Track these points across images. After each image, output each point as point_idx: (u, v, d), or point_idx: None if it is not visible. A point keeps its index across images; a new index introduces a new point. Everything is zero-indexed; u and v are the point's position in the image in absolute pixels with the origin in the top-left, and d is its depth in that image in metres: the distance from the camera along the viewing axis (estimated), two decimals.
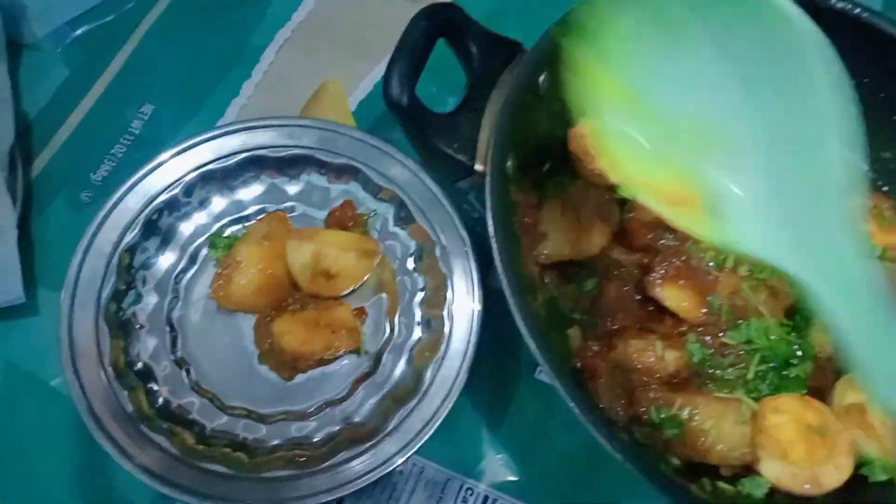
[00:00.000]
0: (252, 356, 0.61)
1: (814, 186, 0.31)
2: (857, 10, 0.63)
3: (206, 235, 0.63)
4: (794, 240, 0.30)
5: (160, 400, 0.58)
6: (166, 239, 0.62)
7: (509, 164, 0.57)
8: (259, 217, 0.64)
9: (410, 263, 0.64)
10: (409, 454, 0.55)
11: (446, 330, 0.59)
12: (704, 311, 0.59)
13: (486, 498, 0.61)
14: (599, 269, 0.63)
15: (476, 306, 0.59)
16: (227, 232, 0.64)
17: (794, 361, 0.59)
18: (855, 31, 0.64)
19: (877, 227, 0.65)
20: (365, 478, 0.54)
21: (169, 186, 0.61)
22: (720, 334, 0.60)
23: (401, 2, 0.71)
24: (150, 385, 0.58)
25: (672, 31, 0.37)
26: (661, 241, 0.61)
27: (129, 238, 0.59)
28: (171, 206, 0.62)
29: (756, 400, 0.57)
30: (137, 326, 0.60)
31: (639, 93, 0.38)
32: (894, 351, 0.26)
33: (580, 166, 0.64)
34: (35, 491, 0.60)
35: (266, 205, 0.65)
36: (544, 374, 0.64)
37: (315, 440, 0.58)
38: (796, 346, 0.60)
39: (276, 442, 0.58)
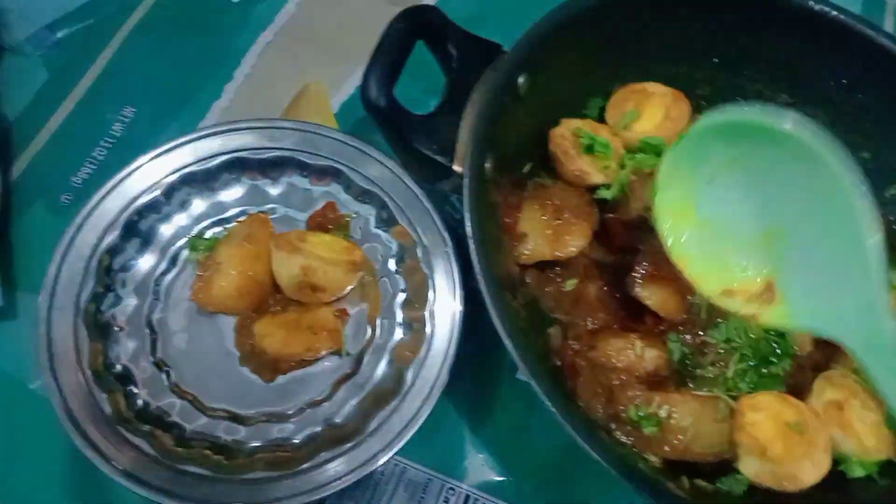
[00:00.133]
0: (233, 358, 0.60)
1: (852, 269, 0.38)
2: (834, 13, 0.64)
3: (187, 237, 0.63)
4: (836, 313, 0.40)
5: (139, 402, 0.57)
6: (146, 241, 0.62)
7: (488, 165, 0.57)
8: (240, 219, 0.64)
9: (392, 265, 0.64)
10: (389, 455, 0.55)
11: (428, 331, 0.59)
12: (685, 310, 0.60)
13: (467, 498, 0.61)
14: (580, 270, 0.63)
15: (458, 307, 0.59)
16: (208, 234, 0.64)
17: (774, 359, 0.60)
18: (833, 33, 0.65)
19: None
20: (345, 479, 0.54)
21: (149, 188, 0.61)
22: (700, 333, 0.61)
23: (383, 4, 0.71)
24: (129, 387, 0.57)
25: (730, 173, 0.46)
26: (642, 242, 0.61)
27: (108, 240, 0.59)
28: (152, 208, 0.61)
29: (735, 398, 0.57)
30: (117, 329, 0.59)
31: (707, 219, 0.48)
32: None
33: (560, 167, 0.64)
34: (20, 494, 0.60)
35: (247, 207, 0.65)
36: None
37: (295, 441, 0.58)
38: (775, 345, 0.60)
39: (256, 444, 0.58)
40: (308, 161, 0.64)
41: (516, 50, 0.59)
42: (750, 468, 0.55)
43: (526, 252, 0.61)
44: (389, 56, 0.54)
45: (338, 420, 0.59)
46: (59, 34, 0.78)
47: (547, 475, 0.62)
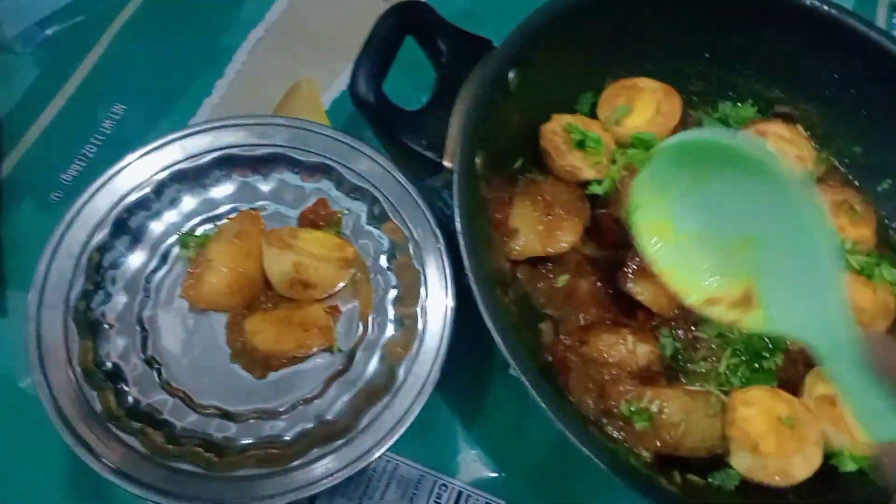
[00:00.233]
0: (224, 355, 0.60)
1: (812, 275, 0.41)
2: (826, 8, 0.64)
3: (178, 235, 0.63)
4: (803, 318, 0.41)
5: (130, 399, 0.57)
6: (136, 238, 0.62)
7: (478, 160, 0.57)
8: (231, 216, 0.64)
9: (384, 261, 0.64)
10: (381, 451, 0.55)
11: (419, 327, 0.59)
12: (677, 305, 0.60)
13: (459, 494, 0.61)
14: (572, 265, 0.63)
15: (449, 303, 0.59)
16: (199, 231, 0.64)
17: (766, 354, 0.60)
18: (825, 28, 0.65)
19: (847, 221, 0.66)
20: (337, 475, 0.54)
21: (139, 186, 0.61)
22: (692, 328, 0.61)
23: (375, 0, 0.71)
24: (119, 385, 0.57)
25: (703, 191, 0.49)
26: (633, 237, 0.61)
27: (98, 238, 0.59)
28: (142, 205, 0.61)
29: (726, 393, 0.57)
30: (106, 326, 0.59)
31: (684, 232, 0.51)
32: (871, 391, 0.36)
33: (551, 162, 0.64)
34: (10, 494, 0.60)
35: (238, 203, 0.65)
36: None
37: (287, 438, 0.58)
38: (767, 340, 0.60)
39: (247, 440, 0.57)
40: (299, 158, 0.64)
41: (506, 45, 0.58)
42: (742, 463, 0.55)
43: (517, 248, 0.61)
44: (378, 51, 0.54)
45: (329, 417, 0.59)
46: (49, 31, 0.77)
47: (540, 471, 0.62)
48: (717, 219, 0.49)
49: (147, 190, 0.61)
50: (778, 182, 0.43)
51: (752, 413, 0.56)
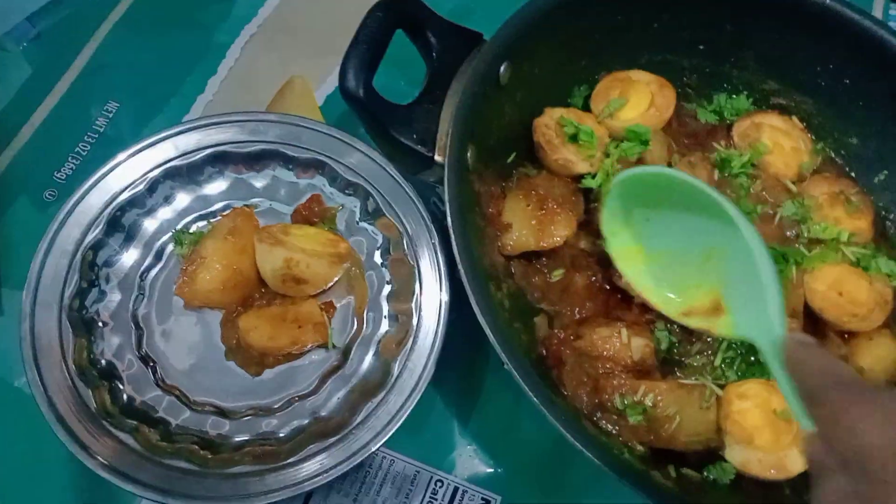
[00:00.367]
0: (219, 352, 0.60)
1: (758, 283, 0.44)
2: None
3: (172, 232, 0.63)
4: (753, 320, 0.45)
5: (124, 397, 0.57)
6: (130, 236, 0.62)
7: (470, 155, 0.57)
8: (224, 213, 0.64)
9: (378, 257, 0.64)
10: (376, 447, 0.55)
11: (414, 323, 0.59)
12: None
13: (455, 489, 0.61)
14: (566, 260, 0.63)
15: (444, 298, 0.59)
16: (193, 228, 0.64)
17: None
18: (821, 18, 0.64)
19: (844, 212, 0.66)
20: (332, 472, 0.54)
21: (132, 183, 0.61)
22: None
23: None
24: (114, 383, 0.57)
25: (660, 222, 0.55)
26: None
27: (92, 236, 0.59)
28: (135, 202, 0.61)
29: (721, 386, 0.57)
30: (101, 324, 0.59)
31: (654, 252, 0.56)
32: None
33: (545, 156, 0.64)
34: (6, 492, 0.60)
35: (232, 200, 0.65)
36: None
37: (282, 435, 0.58)
38: None
39: (242, 437, 0.58)
40: (293, 154, 0.64)
41: (497, 38, 0.58)
42: (737, 456, 0.55)
43: (511, 242, 0.60)
44: (367, 45, 0.54)
45: (324, 413, 0.59)
46: (40, 27, 0.77)
47: (536, 466, 0.62)
48: (679, 236, 0.53)
49: (141, 187, 0.61)
50: (713, 202, 0.48)
51: (748, 406, 0.55)
